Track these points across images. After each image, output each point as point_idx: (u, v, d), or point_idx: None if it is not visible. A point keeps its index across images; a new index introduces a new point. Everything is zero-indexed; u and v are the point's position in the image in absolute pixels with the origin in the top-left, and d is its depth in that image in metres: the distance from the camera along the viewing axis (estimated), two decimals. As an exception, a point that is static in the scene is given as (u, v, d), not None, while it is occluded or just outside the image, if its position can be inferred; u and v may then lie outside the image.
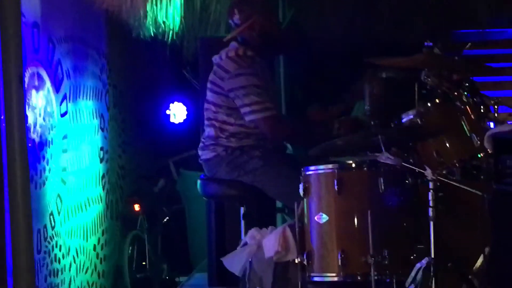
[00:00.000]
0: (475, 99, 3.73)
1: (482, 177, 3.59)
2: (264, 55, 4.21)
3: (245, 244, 3.85)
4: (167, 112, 6.54)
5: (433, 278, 3.34)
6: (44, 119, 4.46)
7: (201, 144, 4.21)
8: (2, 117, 1.53)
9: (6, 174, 1.50)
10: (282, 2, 5.40)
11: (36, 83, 4.35)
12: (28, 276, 1.49)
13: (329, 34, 5.80)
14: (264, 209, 4.48)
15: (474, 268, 3.48)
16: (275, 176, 3.98)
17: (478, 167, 3.64)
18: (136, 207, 6.10)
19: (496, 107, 3.79)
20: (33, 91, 4.29)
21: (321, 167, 3.62)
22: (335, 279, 3.54)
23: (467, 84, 3.73)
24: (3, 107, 1.49)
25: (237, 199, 4.17)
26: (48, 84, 4.55)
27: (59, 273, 4.62)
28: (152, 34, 5.14)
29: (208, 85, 4.17)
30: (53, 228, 4.53)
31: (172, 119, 6.48)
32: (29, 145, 4.21)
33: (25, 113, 1.53)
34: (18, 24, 1.49)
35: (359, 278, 3.50)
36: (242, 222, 4.15)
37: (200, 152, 4.21)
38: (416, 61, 3.75)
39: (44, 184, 4.41)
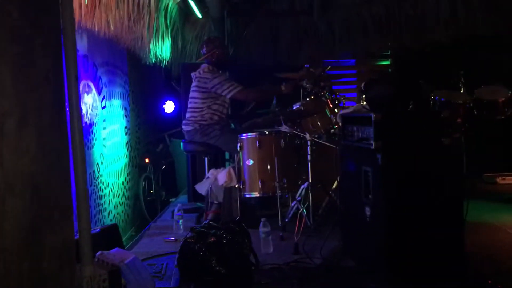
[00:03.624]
0: (332, 96, 3.78)
1: (336, 138, 3.64)
2: (222, 69, 4.16)
3: (208, 177, 3.85)
4: (163, 106, 6.50)
5: (310, 193, 3.43)
6: (92, 110, 4.40)
7: (184, 121, 4.14)
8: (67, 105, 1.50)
9: (71, 142, 1.48)
10: (228, 42, 5.39)
11: (87, 90, 4.29)
12: (84, 201, 1.47)
13: (253, 60, 5.83)
14: (218, 158, 4.50)
15: (332, 187, 3.58)
16: (226, 139, 3.94)
17: (334, 133, 3.70)
18: (147, 160, 6.08)
19: (343, 101, 3.90)
20: (85, 94, 4.23)
21: (249, 134, 3.64)
22: (258, 195, 3.59)
23: (328, 88, 3.76)
24: (67, 98, 1.47)
25: (203, 153, 4.14)
26: (93, 90, 4.48)
27: (103, 197, 4.60)
28: (153, 61, 5.08)
29: (193, 88, 4.06)
30: (98, 172, 4.50)
31: (166, 110, 6.43)
32: (83, 125, 4.17)
33: (80, 102, 1.51)
34: (74, 44, 1.46)
35: (270, 194, 3.55)
36: (206, 166, 4.13)
37: (183, 127, 4.13)
38: (301, 75, 3.79)
39: (93, 147, 4.36)
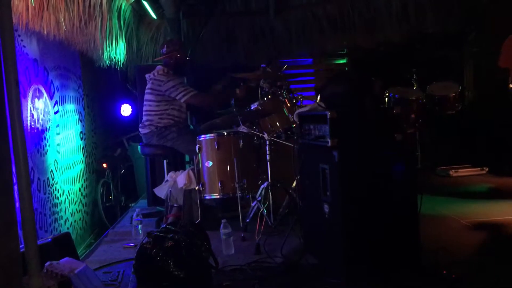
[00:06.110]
0: (290, 95, 3.78)
1: (294, 137, 3.63)
2: (177, 74, 4.08)
3: (167, 180, 3.81)
4: (120, 109, 6.35)
5: (270, 192, 3.43)
6: (44, 116, 4.24)
7: (141, 125, 4.06)
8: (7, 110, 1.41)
9: (12, 149, 1.40)
10: (185, 43, 5.31)
11: (38, 94, 4.13)
12: (29, 212, 1.40)
13: (210, 62, 5.78)
14: (178, 161, 4.44)
15: (292, 186, 3.54)
16: (184, 141, 3.88)
17: (292, 131, 3.71)
18: (104, 165, 5.92)
19: (301, 100, 3.91)
20: (36, 99, 4.07)
21: (207, 135, 3.60)
22: (218, 196, 3.55)
23: (285, 87, 3.76)
24: (7, 102, 1.39)
25: (161, 156, 4.06)
26: (45, 95, 4.32)
27: (59, 205, 4.44)
28: (108, 64, 4.95)
29: (147, 91, 3.98)
30: (53, 179, 4.34)
31: (123, 114, 6.28)
32: (35, 131, 4.02)
33: (21, 106, 1.42)
34: (13, 49, 1.38)
35: (231, 195, 3.52)
36: (165, 169, 4.07)
37: (140, 129, 4.06)
38: (257, 75, 3.78)
39: (46, 153, 4.21)
